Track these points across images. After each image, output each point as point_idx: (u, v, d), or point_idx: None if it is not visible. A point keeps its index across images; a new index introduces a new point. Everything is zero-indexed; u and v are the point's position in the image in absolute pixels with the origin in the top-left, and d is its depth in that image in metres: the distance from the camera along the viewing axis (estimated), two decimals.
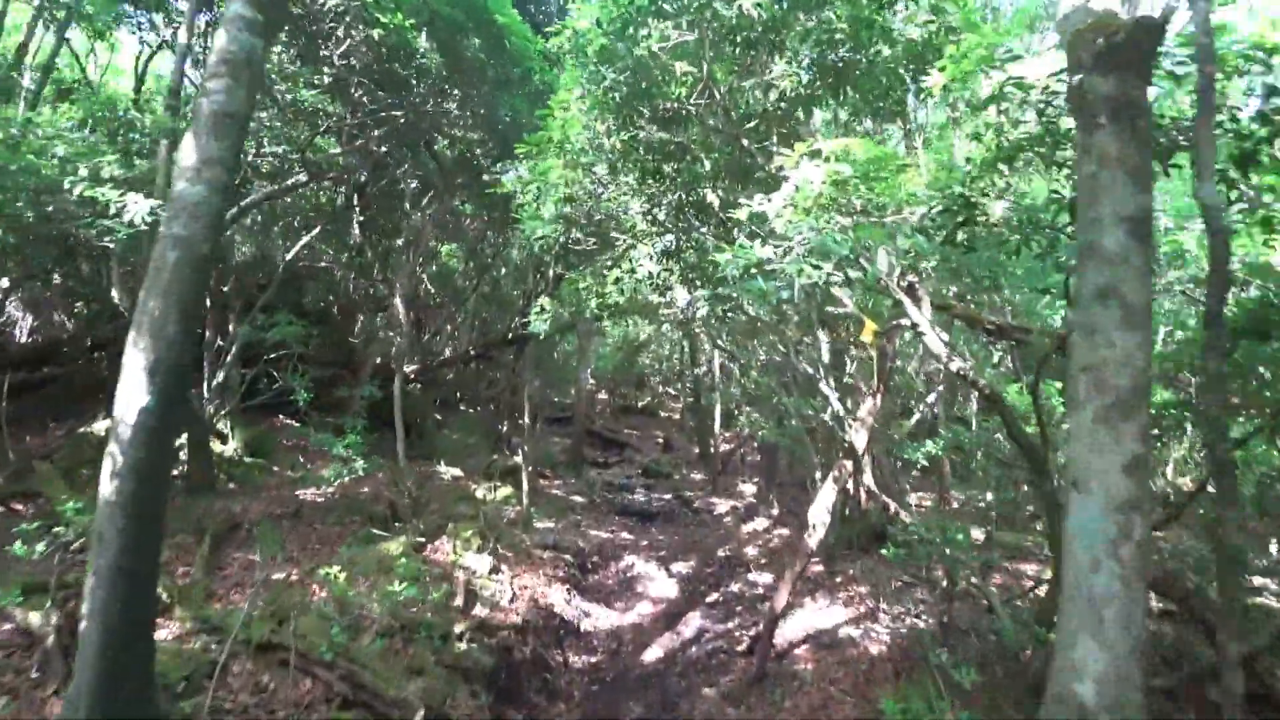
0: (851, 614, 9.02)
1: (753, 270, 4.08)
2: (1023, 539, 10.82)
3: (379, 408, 16.13)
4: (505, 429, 20.20)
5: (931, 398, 11.59)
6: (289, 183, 9.83)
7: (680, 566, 11.39)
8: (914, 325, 5.20)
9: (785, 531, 12.90)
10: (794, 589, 10.22)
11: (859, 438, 6.45)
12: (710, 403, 20.31)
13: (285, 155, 10.02)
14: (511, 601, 8.50)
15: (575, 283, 8.84)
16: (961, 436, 7.58)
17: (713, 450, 20.74)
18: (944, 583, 8.13)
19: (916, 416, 11.42)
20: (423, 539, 9.07)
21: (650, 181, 6.63)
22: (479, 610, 7.84)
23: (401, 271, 14.66)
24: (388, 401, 16.26)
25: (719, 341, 15.71)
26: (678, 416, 30.21)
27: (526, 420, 12.78)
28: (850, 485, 8.66)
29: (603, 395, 33.88)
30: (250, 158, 10.14)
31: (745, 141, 6.11)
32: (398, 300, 14.28)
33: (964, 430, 7.48)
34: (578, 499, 15.40)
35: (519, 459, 15.74)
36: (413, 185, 16.30)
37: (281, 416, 14.25)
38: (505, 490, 13.76)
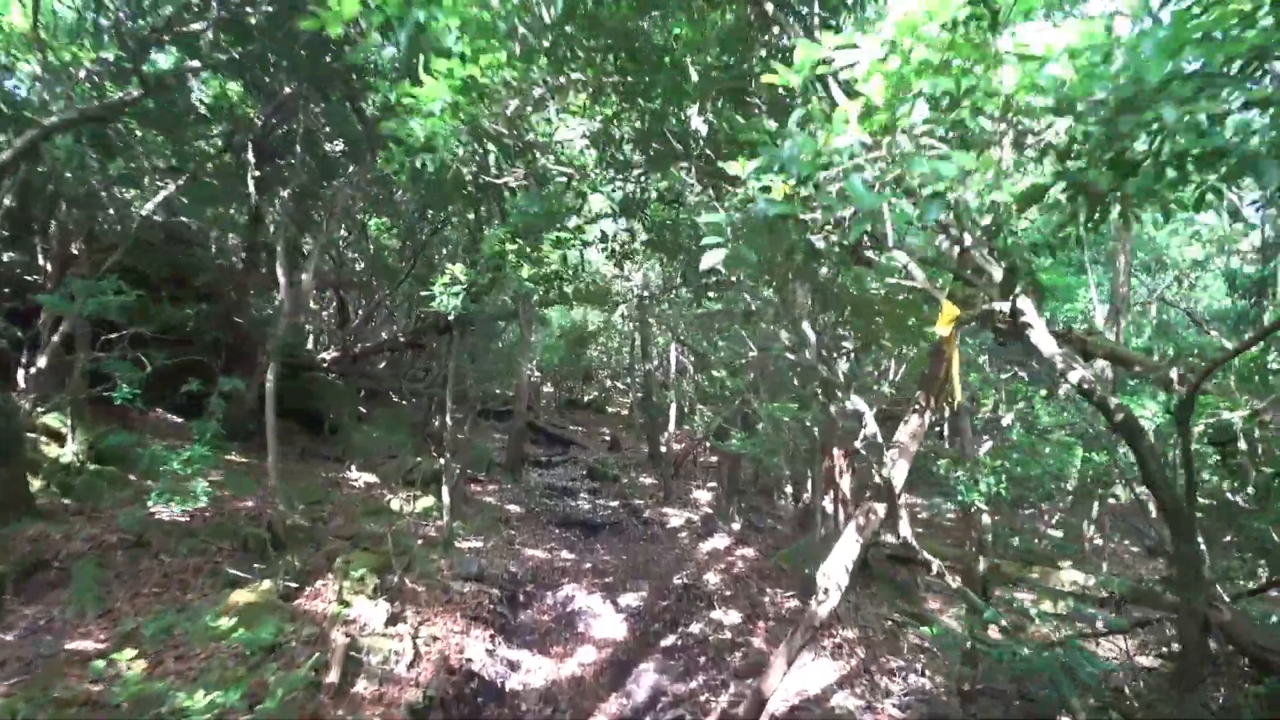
0: (842, 670, 7.12)
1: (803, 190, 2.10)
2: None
3: (287, 404, 13.71)
4: (437, 426, 17.91)
5: (1008, 418, 9.48)
6: (116, 99, 7.24)
7: (630, 598, 9.35)
8: (1012, 315, 3.31)
9: (750, 553, 10.98)
10: (766, 630, 8.32)
11: (898, 471, 4.53)
12: (663, 400, 18.33)
13: (117, 62, 7.50)
14: (413, 666, 6.32)
15: (499, 242, 6.68)
16: (1034, 470, 5.68)
17: (664, 451, 18.79)
18: (967, 644, 6.26)
19: (988, 444, 9.32)
20: (293, 583, 6.76)
21: (607, 91, 4.57)
22: (363, 686, 5.66)
23: (315, 243, 12.26)
24: (295, 395, 13.85)
25: (678, 332, 13.62)
26: (626, 413, 28.18)
27: (449, 419, 10.52)
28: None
29: (548, 388, 31.65)
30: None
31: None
32: (305, 277, 11.87)
33: (1034, 464, 5.62)
34: (513, 508, 13.24)
35: (442, 460, 13.51)
36: (337, 148, 13.95)
37: (160, 411, 11.74)
38: (427, 500, 11.53)
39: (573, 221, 7.04)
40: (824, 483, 9.78)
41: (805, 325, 6.68)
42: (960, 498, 5.57)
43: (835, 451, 9.75)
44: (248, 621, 5.78)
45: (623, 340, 28.48)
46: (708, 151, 4.67)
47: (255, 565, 6.90)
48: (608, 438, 23.51)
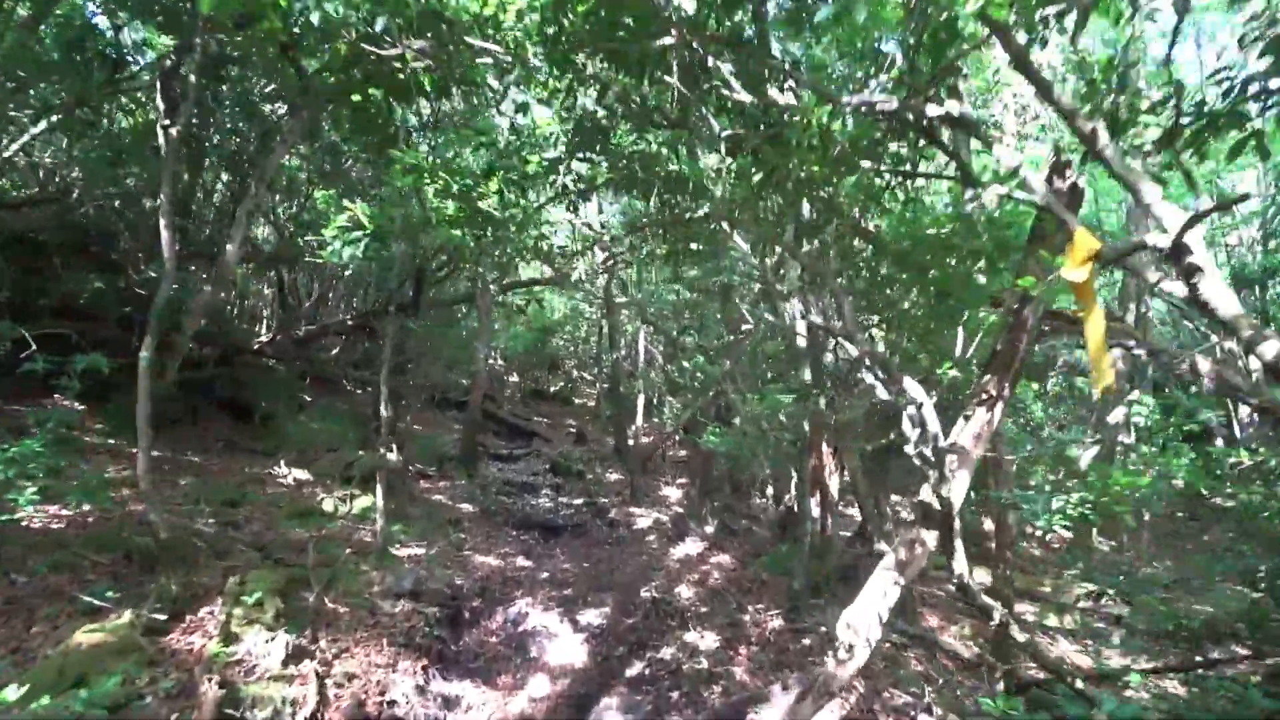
0: (839, 712, 5.94)
1: None
2: None
3: (216, 391, 12.17)
4: (388, 415, 16.41)
5: (1116, 415, 7.95)
6: None
7: (591, 615, 8.07)
8: (1177, 253, 2.13)
9: (726, 560, 9.77)
10: (749, 658, 7.12)
11: (958, 486, 3.30)
12: (631, 391, 17.06)
13: None
14: (316, 716, 4.99)
15: (408, 172, 5.31)
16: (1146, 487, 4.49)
17: (631, 444, 17.53)
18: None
19: (1092, 449, 7.85)
20: (160, 615, 5.32)
21: None
22: None
23: (242, 209, 10.71)
24: (225, 382, 12.31)
25: (648, 314, 12.34)
26: (593, 404, 26.87)
27: (384, 408, 9.16)
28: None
29: (513, 378, 30.17)
30: None
31: None
32: (231, 248, 10.35)
33: (1146, 481, 4.43)
34: (466, 507, 11.87)
35: (390, 455, 12.08)
36: (280, 113, 12.47)
37: (59, 397, 10.15)
38: (367, 500, 10.12)
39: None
40: (810, 483, 8.59)
41: (823, 295, 5.43)
42: (1041, 518, 4.36)
43: (824, 448, 8.57)
44: (90, 667, 4.39)
45: (590, 329, 27.13)
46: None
47: (108, 593, 5.45)
48: (573, 430, 22.19)
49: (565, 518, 12.41)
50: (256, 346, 12.81)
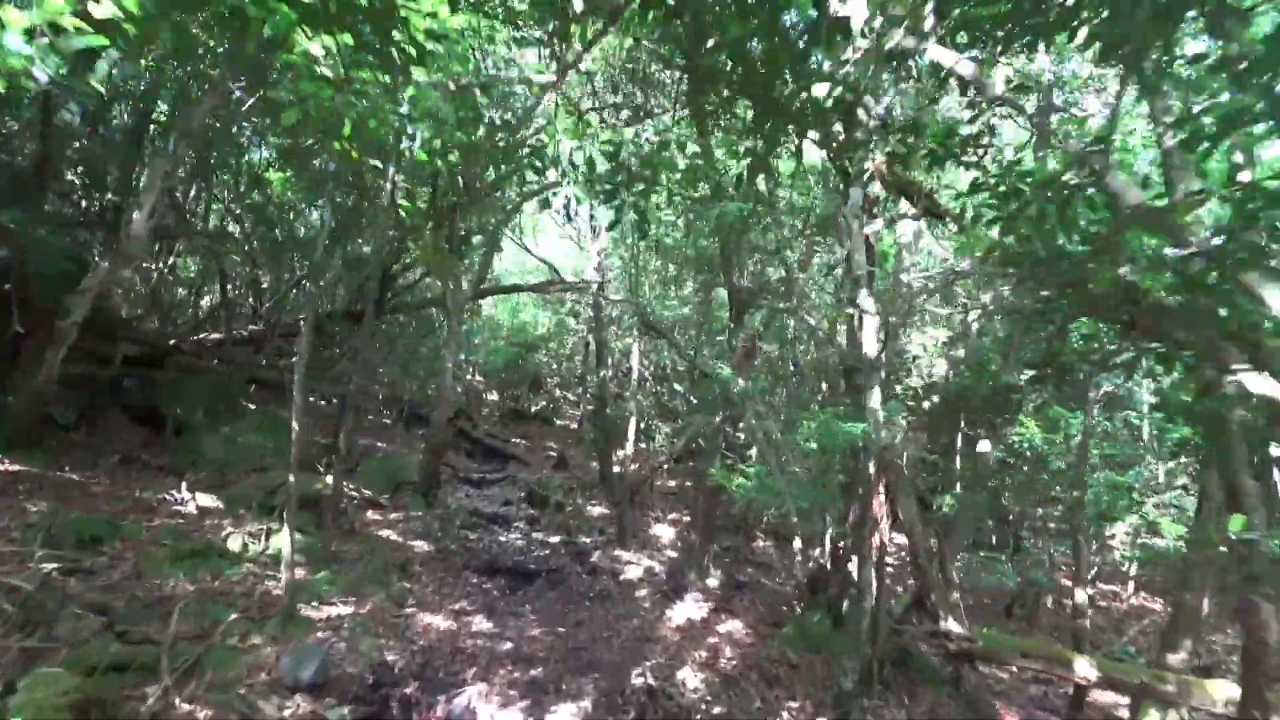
0: None
1: None
2: None
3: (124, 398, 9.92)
4: (348, 430, 14.14)
5: None
6: None
7: (565, 714, 5.86)
8: None
9: (737, 627, 7.61)
10: None
11: None
12: (619, 413, 14.93)
13: None
14: None
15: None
16: None
17: (620, 472, 15.36)
18: None
19: None
20: None
21: None
22: None
23: (151, 174, 8.55)
24: (136, 387, 10.05)
25: (646, 314, 10.26)
26: (576, 426, 24.65)
27: (294, 422, 6.98)
28: None
29: (491, 396, 27.90)
30: None
31: None
32: (138, 216, 8.20)
33: None
34: (420, 545, 9.63)
35: (330, 479, 9.84)
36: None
37: None
38: (287, 538, 7.89)
39: None
40: (866, 530, 6.48)
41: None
42: None
43: (878, 488, 6.48)
44: None
45: (575, 345, 24.99)
46: None
47: None
48: (554, 454, 19.95)
49: (539, 560, 10.17)
50: (179, 344, 10.54)
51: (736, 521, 12.01)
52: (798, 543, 7.21)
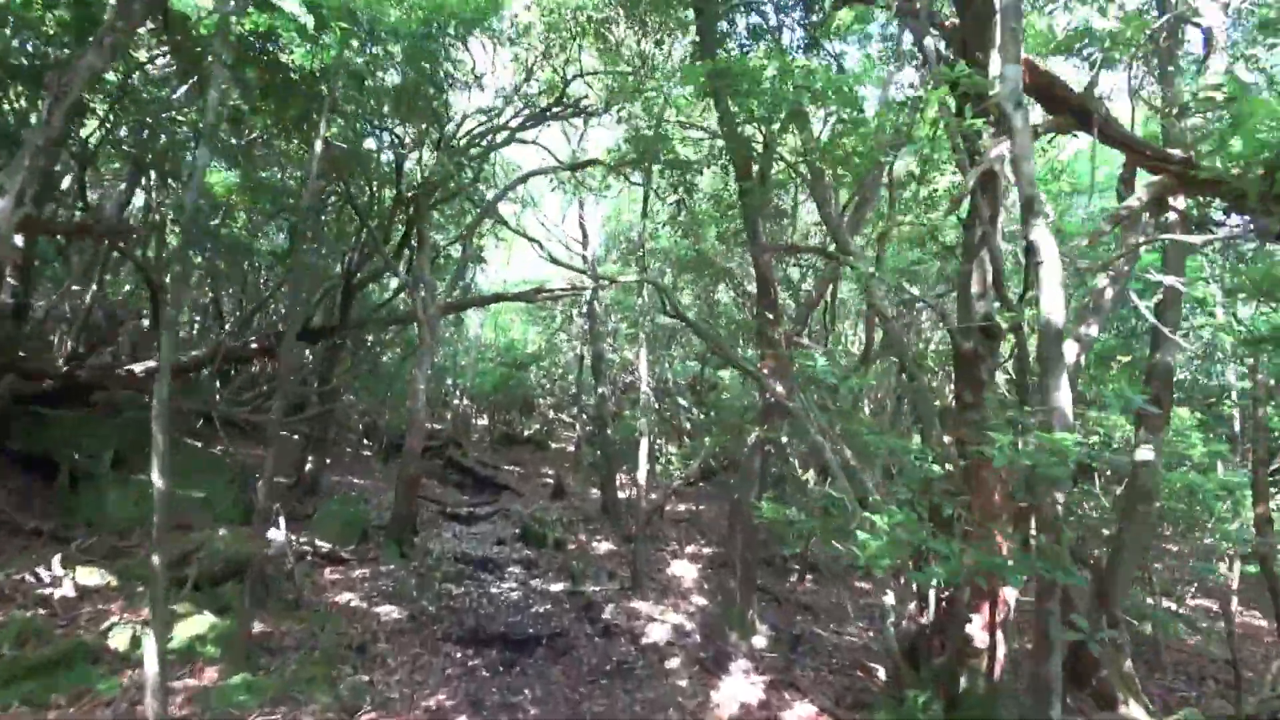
0: None
1: None
2: None
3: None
4: (311, 468, 11.98)
5: None
6: None
7: None
8: None
9: (810, 715, 5.52)
10: None
11: None
12: (627, 433, 12.86)
13: None
14: None
15: None
16: None
17: (628, 499, 13.27)
18: None
19: None
20: None
21: None
22: None
23: (25, 146, 6.49)
24: (21, 427, 7.90)
25: (666, 295, 8.21)
26: (573, 449, 22.50)
27: (157, 481, 4.82)
28: None
29: (482, 421, 25.72)
30: None
31: None
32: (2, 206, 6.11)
33: None
34: (388, 611, 7.50)
35: (276, 533, 7.73)
36: None
37: None
38: (203, 622, 5.79)
39: None
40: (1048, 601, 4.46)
41: None
42: None
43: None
44: None
45: (569, 364, 22.88)
46: None
47: None
48: (550, 480, 17.80)
49: (539, 620, 8.05)
50: (74, 373, 8.39)
51: (771, 552, 9.94)
52: (889, 595, 5.16)
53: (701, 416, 16.89)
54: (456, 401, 23.28)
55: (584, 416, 20.02)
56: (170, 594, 6.19)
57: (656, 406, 16.77)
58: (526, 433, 24.86)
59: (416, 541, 10.29)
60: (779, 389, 6.80)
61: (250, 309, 12.88)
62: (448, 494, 16.77)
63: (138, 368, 10.01)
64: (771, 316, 7.32)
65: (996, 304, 4.24)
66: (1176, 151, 4.08)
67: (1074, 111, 4.01)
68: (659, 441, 16.77)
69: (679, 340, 18.87)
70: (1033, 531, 4.08)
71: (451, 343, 21.45)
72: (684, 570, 10.23)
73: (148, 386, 9.40)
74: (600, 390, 14.52)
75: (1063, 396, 3.11)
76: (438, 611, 7.87)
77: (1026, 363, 3.96)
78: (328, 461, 15.10)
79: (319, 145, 6.11)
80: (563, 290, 13.52)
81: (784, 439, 7.76)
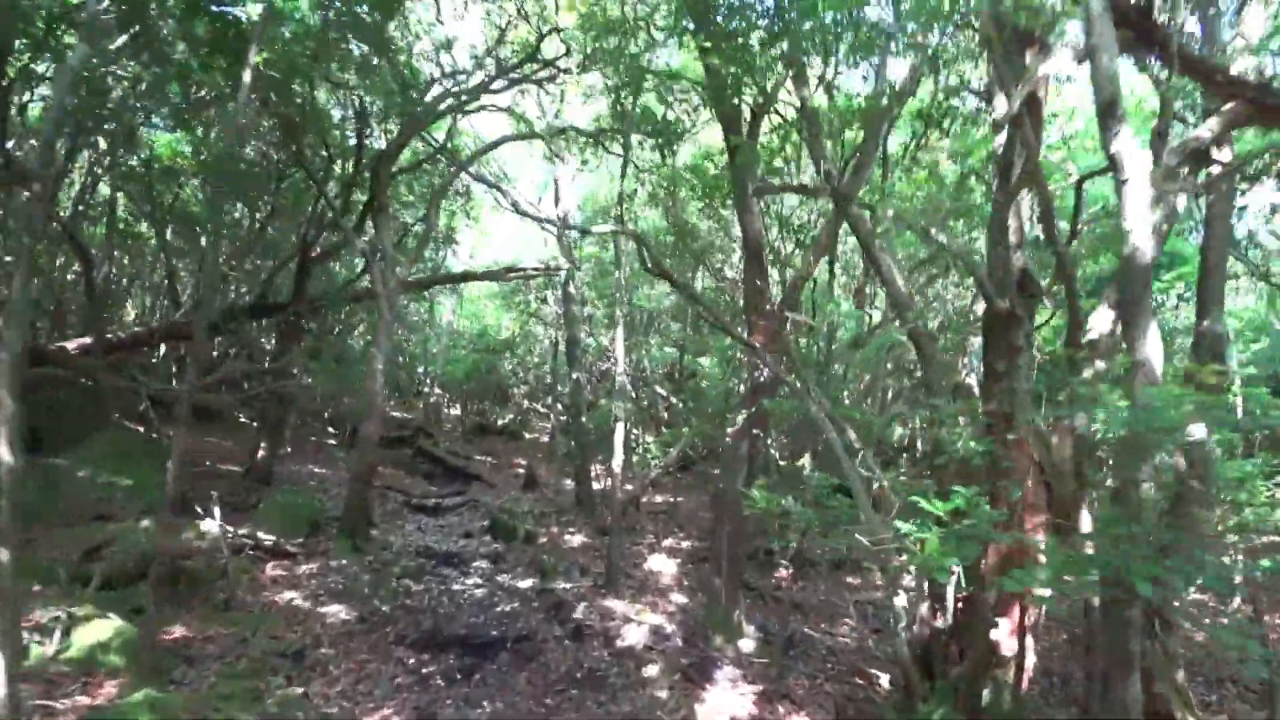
0: None
1: None
2: None
3: None
4: (264, 455, 11.04)
5: None
6: None
7: None
8: None
9: None
10: None
11: None
12: (601, 422, 12.11)
13: None
14: None
15: None
16: None
17: (603, 489, 12.53)
18: None
19: None
20: None
21: None
22: None
23: None
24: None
25: (654, 259, 7.42)
26: (547, 440, 21.69)
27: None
28: None
29: (454, 410, 24.78)
30: None
31: None
32: None
33: None
34: (335, 611, 6.70)
35: (210, 525, 6.89)
36: None
37: None
38: (106, 628, 4.95)
39: None
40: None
41: None
42: None
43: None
44: None
45: (544, 353, 21.98)
46: None
47: None
48: (523, 470, 16.98)
49: (504, 620, 7.29)
50: None
51: (755, 545, 9.26)
52: (901, 599, 4.47)
53: (680, 405, 16.20)
54: (427, 390, 22.35)
55: (558, 406, 19.21)
56: (75, 593, 5.35)
57: (633, 395, 16.02)
58: (501, 422, 23.99)
59: (374, 534, 9.46)
60: (770, 364, 6.12)
61: (207, 285, 11.85)
62: (415, 484, 15.90)
63: (72, 345, 9.09)
64: (761, 285, 6.61)
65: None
66: (1251, 78, 3.43)
67: (1137, 27, 3.36)
68: (636, 431, 16.03)
69: (656, 327, 18.12)
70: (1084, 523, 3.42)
71: (421, 329, 20.53)
72: (662, 565, 9.52)
73: (77, 364, 8.47)
74: (575, 377, 13.75)
75: (1152, 347, 2.42)
76: (391, 611, 7.07)
77: (1078, 317, 3.28)
78: (288, 450, 14.18)
79: (247, 75, 5.24)
80: (535, 269, 12.70)
81: (769, 423, 7.06)
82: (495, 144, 10.37)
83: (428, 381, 21.80)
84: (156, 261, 12.64)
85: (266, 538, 7.66)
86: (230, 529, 7.14)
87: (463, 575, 9.03)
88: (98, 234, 11.02)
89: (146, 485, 7.44)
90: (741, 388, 15.07)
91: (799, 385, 4.82)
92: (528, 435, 23.06)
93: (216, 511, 6.87)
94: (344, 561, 7.92)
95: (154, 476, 7.58)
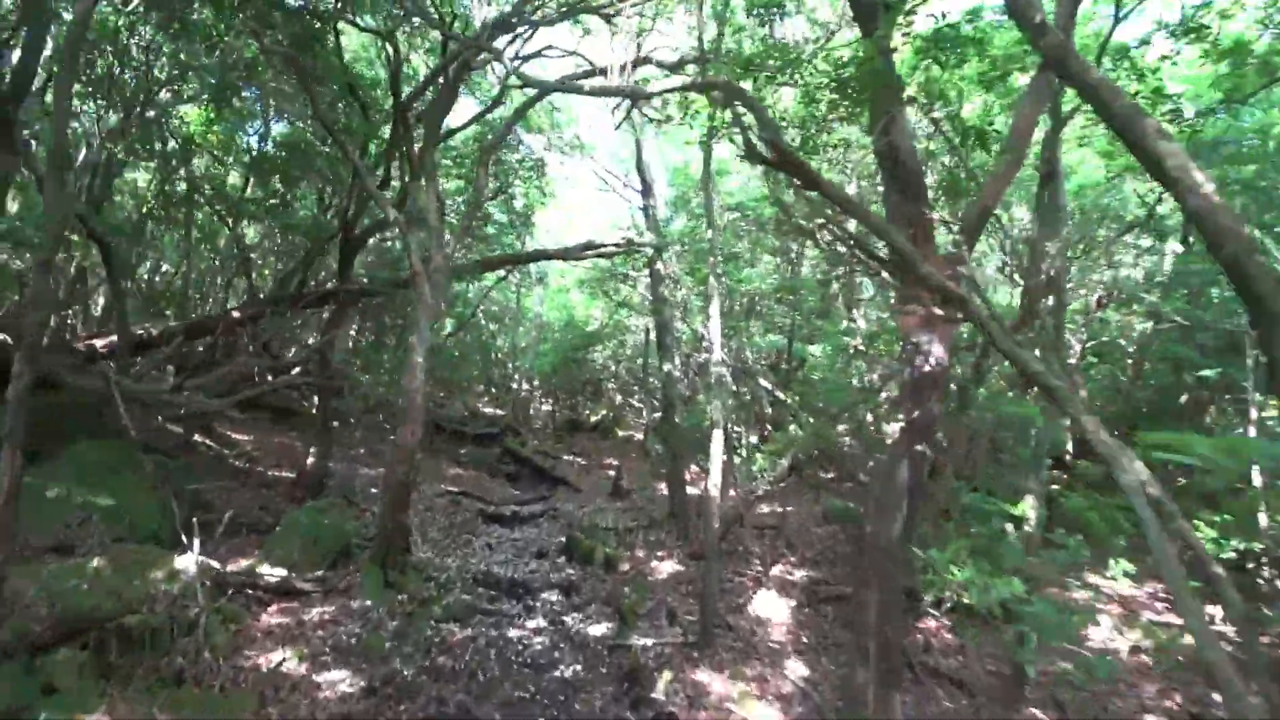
0: None
1: None
2: None
3: None
4: (313, 460, 9.66)
5: None
6: None
7: None
8: None
9: None
10: None
11: None
12: (697, 423, 10.00)
13: None
14: None
15: None
16: None
17: (703, 502, 10.34)
18: None
19: None
20: None
21: None
22: None
23: None
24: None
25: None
26: (640, 438, 19.79)
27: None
28: None
29: (545, 406, 23.32)
30: None
31: None
32: None
33: None
34: (333, 681, 4.95)
35: (186, 561, 5.32)
36: None
37: None
38: None
39: None
40: None
41: None
42: None
43: None
44: None
45: (638, 346, 19.96)
46: None
47: None
48: (612, 473, 15.11)
49: (560, 695, 5.33)
50: None
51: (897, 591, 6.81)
52: None
53: (788, 401, 13.80)
54: (516, 386, 20.96)
55: (652, 401, 17.21)
56: None
57: (734, 388, 13.69)
58: (593, 418, 22.33)
59: (424, 556, 7.78)
60: (934, 345, 3.80)
61: (230, 273, 10.66)
62: (496, 488, 14.37)
63: (98, 342, 7.87)
64: (921, 216, 4.27)
65: None
66: None
67: None
68: (738, 429, 13.75)
69: (758, 311, 15.69)
70: None
71: (499, 319, 19.06)
72: (772, 608, 7.29)
73: (85, 365, 7.22)
74: (666, 368, 11.68)
75: None
76: (414, 678, 5.27)
77: None
78: (357, 451, 12.91)
79: None
80: (616, 245, 10.70)
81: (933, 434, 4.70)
82: (554, 87, 8.40)
83: (516, 376, 20.36)
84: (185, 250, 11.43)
85: (273, 572, 6.06)
86: (217, 565, 5.54)
87: (524, 614, 7.19)
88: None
89: (132, 506, 5.99)
90: (869, 378, 12.49)
91: (1036, 375, 2.51)
92: (621, 432, 21.24)
93: (195, 543, 5.28)
94: (368, 603, 6.20)
95: (142, 496, 6.12)
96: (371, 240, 9.93)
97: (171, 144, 8.26)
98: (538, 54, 8.79)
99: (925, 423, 4.15)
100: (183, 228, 9.13)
